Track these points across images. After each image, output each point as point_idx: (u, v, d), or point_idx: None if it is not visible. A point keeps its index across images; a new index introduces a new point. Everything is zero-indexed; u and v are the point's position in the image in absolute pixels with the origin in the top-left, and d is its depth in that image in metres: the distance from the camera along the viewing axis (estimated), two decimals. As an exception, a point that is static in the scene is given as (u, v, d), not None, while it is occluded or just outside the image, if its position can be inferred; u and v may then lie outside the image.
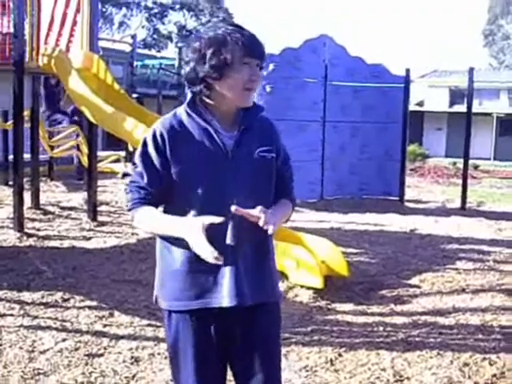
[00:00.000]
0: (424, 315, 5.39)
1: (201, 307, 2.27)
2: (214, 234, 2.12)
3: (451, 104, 37.65)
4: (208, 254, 2.08)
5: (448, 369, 4.20)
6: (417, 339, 4.75)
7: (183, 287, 2.27)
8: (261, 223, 2.12)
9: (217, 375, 2.38)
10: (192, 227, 2.11)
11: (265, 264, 2.36)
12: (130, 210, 2.32)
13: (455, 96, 37.29)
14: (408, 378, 4.04)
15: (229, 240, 2.23)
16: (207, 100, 2.26)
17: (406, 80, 12.69)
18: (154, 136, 2.23)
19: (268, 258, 2.38)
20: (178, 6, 54.62)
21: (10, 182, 12.49)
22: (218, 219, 2.11)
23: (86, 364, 4.08)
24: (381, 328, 4.99)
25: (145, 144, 2.25)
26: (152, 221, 2.26)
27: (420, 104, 38.51)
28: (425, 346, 4.61)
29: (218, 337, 2.32)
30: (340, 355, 4.37)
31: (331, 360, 4.27)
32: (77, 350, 4.31)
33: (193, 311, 2.28)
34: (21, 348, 4.30)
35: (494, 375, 4.13)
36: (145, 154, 2.24)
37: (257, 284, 2.29)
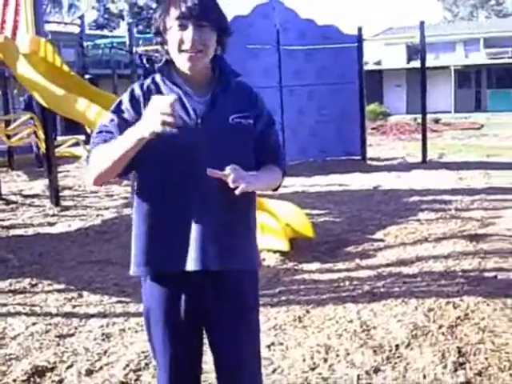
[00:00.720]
0: (388, 267, 5.51)
1: (168, 270, 2.24)
2: (174, 201, 2.15)
3: (409, 60, 37.79)
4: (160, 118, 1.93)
5: (413, 315, 4.32)
6: (382, 290, 4.87)
7: (151, 250, 2.25)
8: (229, 180, 2.07)
9: (189, 344, 2.35)
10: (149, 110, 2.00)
11: (239, 231, 2.29)
12: (87, 158, 2.21)
13: (412, 52, 37.40)
14: (374, 327, 4.14)
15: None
16: (176, 65, 2.23)
17: (359, 39, 12.75)
18: (131, 94, 2.21)
19: (245, 227, 2.32)
20: (127, -17, 53.67)
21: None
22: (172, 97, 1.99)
23: (58, 345, 4.10)
24: (347, 283, 5.10)
25: (120, 101, 2.22)
26: (104, 150, 2.12)
27: (378, 63, 38.62)
28: (390, 295, 4.72)
29: (190, 304, 2.29)
30: (308, 312, 4.46)
31: (299, 317, 4.36)
32: (47, 332, 4.32)
33: (163, 278, 2.26)
34: (-9, 336, 4.31)
35: (458, 317, 4.25)
36: (118, 107, 2.20)
37: (227, 249, 2.24)
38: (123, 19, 53.66)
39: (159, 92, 2.23)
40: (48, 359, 3.88)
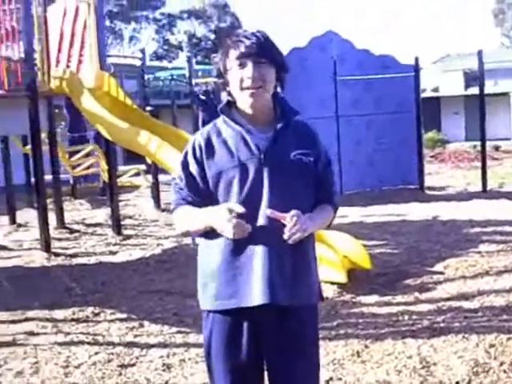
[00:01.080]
0: (449, 301, 5.43)
1: (235, 307, 2.31)
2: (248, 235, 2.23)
3: (466, 87, 37.29)
4: (231, 229, 2.18)
5: (474, 351, 4.25)
6: (442, 325, 4.81)
7: (219, 287, 2.33)
8: (286, 230, 2.17)
9: (249, 377, 2.39)
10: (218, 211, 2.23)
11: (302, 265, 2.36)
12: (172, 210, 2.46)
13: (470, 79, 36.88)
14: (435, 364, 4.10)
15: (261, 248, 2.27)
16: (238, 104, 2.36)
17: (416, 68, 12.71)
18: (193, 146, 2.37)
19: (306, 260, 2.38)
20: (185, 15, 54.85)
21: (35, 205, 12.78)
22: (240, 208, 2.19)
23: (120, 374, 4.20)
24: (406, 317, 5.05)
25: (185, 153, 2.39)
26: (187, 217, 2.38)
27: (436, 90, 38.25)
28: (450, 331, 4.66)
29: (250, 340, 2.34)
30: (366, 347, 4.44)
31: (358, 352, 4.34)
32: (110, 361, 4.43)
33: (228, 311, 2.33)
34: (56, 364, 4.44)
35: (521, 354, 4.17)
36: (183, 162, 2.38)
37: (291, 285, 2.30)
38: (182, 50, 54.77)
39: (220, 136, 2.34)
40: (111, 389, 3.99)
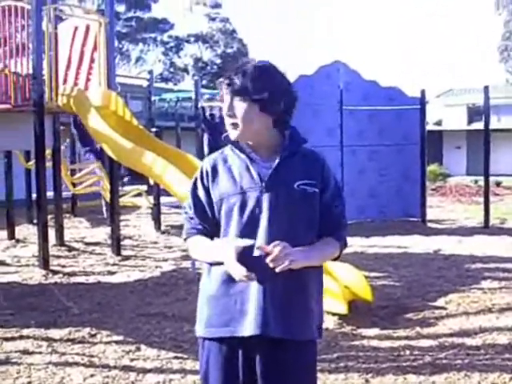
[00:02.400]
0: (450, 337, 5.36)
1: (228, 335, 2.30)
2: (246, 263, 2.19)
3: (469, 122, 37.49)
4: (237, 273, 2.16)
5: (476, 390, 4.17)
6: (444, 361, 4.73)
7: (214, 313, 2.33)
8: (268, 259, 2.13)
9: None
10: (225, 250, 2.20)
11: (299, 299, 2.31)
12: (185, 239, 2.49)
13: (473, 113, 37.13)
14: (436, 402, 4.02)
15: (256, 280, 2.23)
16: None
17: (422, 101, 12.74)
18: (201, 173, 2.40)
19: (304, 294, 2.32)
20: (193, 39, 55.30)
21: (35, 221, 12.72)
22: (249, 242, 2.18)
23: (115, 399, 4.12)
24: (407, 352, 4.98)
25: (194, 180, 2.43)
26: (198, 249, 2.41)
27: (438, 123, 38.45)
28: (452, 367, 4.59)
29: (245, 368, 2.32)
30: (367, 381, 4.36)
31: (358, 386, 4.27)
32: (105, 385, 4.35)
33: (222, 339, 2.32)
34: (50, 385, 4.36)
35: (524, 395, 4.09)
36: (193, 189, 2.42)
37: (285, 318, 2.27)
38: (188, 73, 55.11)
39: (225, 163, 2.35)
40: (105, 413, 3.90)
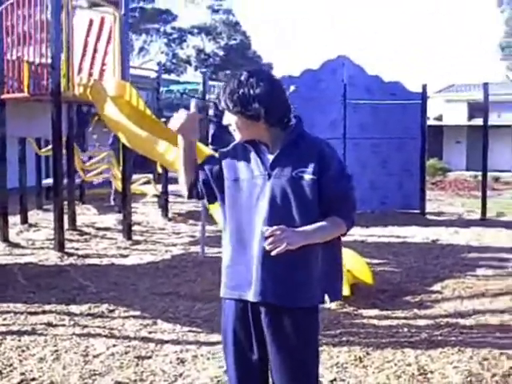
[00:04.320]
0: (445, 317, 5.73)
1: (238, 298, 2.68)
2: (243, 238, 2.62)
3: (470, 117, 37.76)
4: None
5: (468, 363, 4.54)
6: (439, 338, 5.11)
7: (228, 279, 2.72)
8: (265, 244, 2.45)
9: (255, 366, 2.71)
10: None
11: (298, 271, 2.60)
12: None
13: (474, 109, 37.34)
14: (431, 372, 4.39)
15: (257, 254, 2.58)
16: None
17: (423, 96, 13.07)
18: (222, 151, 2.78)
19: (304, 267, 2.61)
20: (196, 31, 55.42)
21: (44, 206, 13.09)
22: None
23: (137, 365, 4.49)
24: (405, 329, 5.35)
25: (213, 155, 2.84)
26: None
27: (439, 118, 38.70)
28: (446, 344, 4.96)
29: (255, 329, 2.67)
30: (368, 353, 4.74)
31: (360, 358, 4.64)
32: (127, 353, 4.73)
33: (235, 300, 2.70)
34: (75, 353, 4.73)
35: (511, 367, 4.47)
36: (211, 156, 2.86)
37: (283, 288, 2.60)
38: (190, 65, 55.30)
39: (243, 151, 2.71)
40: (129, 377, 4.28)
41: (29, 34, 8.97)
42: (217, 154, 2.79)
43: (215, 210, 6.45)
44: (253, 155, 2.67)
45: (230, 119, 2.64)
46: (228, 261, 2.71)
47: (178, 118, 2.68)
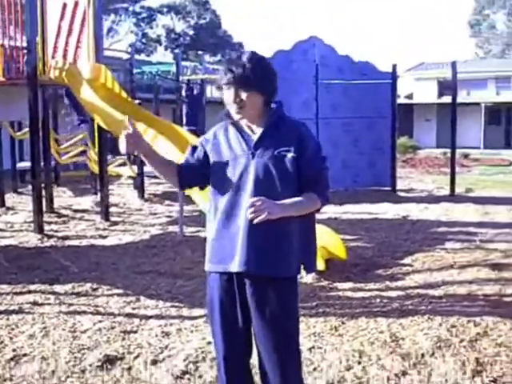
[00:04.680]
0: (416, 289, 6.03)
1: (222, 270, 2.87)
2: (232, 214, 2.81)
3: (440, 95, 38.27)
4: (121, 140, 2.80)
5: (437, 330, 4.83)
6: (410, 308, 5.40)
7: (212, 253, 2.92)
8: (248, 212, 2.66)
9: (241, 335, 2.92)
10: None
11: (278, 242, 2.83)
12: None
13: (443, 87, 37.85)
14: (403, 339, 4.67)
15: (241, 227, 2.79)
16: None
17: (393, 76, 13.34)
18: (204, 137, 2.99)
19: (284, 238, 2.84)
20: (165, 10, 55.03)
21: (19, 190, 13.15)
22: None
23: (123, 339, 4.69)
24: (377, 300, 5.64)
25: (200, 141, 3.02)
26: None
27: (409, 97, 39.16)
28: (417, 312, 5.25)
29: (240, 299, 2.88)
30: (343, 323, 5.00)
31: (335, 327, 4.91)
32: (113, 328, 4.92)
33: (220, 274, 2.89)
34: (63, 329, 4.91)
35: (478, 333, 4.77)
36: (194, 146, 3.02)
37: (266, 258, 2.81)
38: (160, 44, 54.95)
39: (226, 134, 2.92)
40: (117, 350, 4.47)
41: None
42: (198, 144, 2.97)
43: (192, 191, 6.62)
44: (235, 136, 2.87)
45: (244, 97, 2.76)
46: (213, 235, 2.90)
47: (121, 143, 2.81)
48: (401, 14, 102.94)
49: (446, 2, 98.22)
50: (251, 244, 2.79)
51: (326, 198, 2.92)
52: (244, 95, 2.78)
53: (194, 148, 2.99)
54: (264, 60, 2.85)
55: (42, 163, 10.01)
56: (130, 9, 54.40)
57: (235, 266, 2.81)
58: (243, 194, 2.81)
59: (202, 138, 3.00)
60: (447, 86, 28.65)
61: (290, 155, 2.80)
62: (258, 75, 2.77)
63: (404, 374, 4.09)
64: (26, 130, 10.24)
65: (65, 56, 9.46)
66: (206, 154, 2.93)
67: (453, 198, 12.65)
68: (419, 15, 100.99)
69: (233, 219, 2.83)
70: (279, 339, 2.87)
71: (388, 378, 4.02)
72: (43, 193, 10.04)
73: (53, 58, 9.45)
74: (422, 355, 4.36)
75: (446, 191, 13.45)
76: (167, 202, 11.99)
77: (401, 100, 31.21)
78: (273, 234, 2.80)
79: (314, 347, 4.50)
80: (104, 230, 9.09)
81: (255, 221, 2.64)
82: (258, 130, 2.85)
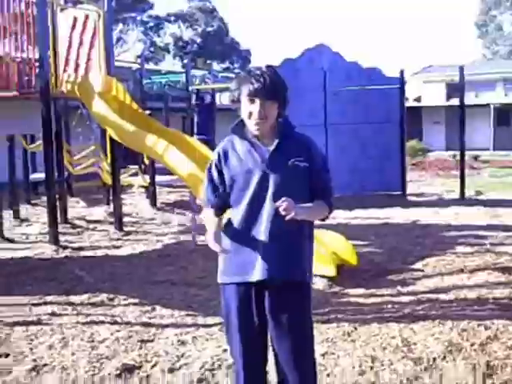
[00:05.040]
0: (427, 293, 6.10)
1: (241, 281, 2.98)
2: (251, 224, 2.93)
3: (448, 97, 38.22)
4: (211, 245, 2.98)
5: (448, 334, 4.91)
6: (421, 312, 5.48)
7: (230, 265, 3.03)
8: (280, 209, 2.80)
9: (259, 343, 3.04)
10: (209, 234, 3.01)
11: (299, 248, 3.00)
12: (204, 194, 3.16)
13: (452, 89, 37.81)
14: (415, 343, 4.75)
15: (263, 236, 2.94)
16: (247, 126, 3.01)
17: (401, 81, 13.42)
18: (217, 157, 3.06)
19: (302, 244, 3.01)
20: (173, 18, 55.33)
21: (32, 201, 13.31)
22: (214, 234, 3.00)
23: (141, 348, 4.80)
24: (389, 306, 5.72)
25: (210, 163, 3.10)
26: (204, 219, 3.21)
27: (417, 100, 39.14)
28: (428, 317, 5.32)
29: (257, 307, 2.98)
30: (355, 328, 5.09)
31: (348, 333, 4.99)
32: (130, 337, 5.03)
33: (237, 284, 3.00)
34: (82, 339, 5.02)
35: (488, 337, 4.84)
36: (209, 169, 3.10)
37: (287, 264, 2.95)
38: (169, 52, 55.24)
39: (234, 148, 3.02)
40: (134, 359, 4.58)
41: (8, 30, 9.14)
42: (213, 169, 3.06)
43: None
44: (245, 150, 2.97)
45: (268, 109, 2.87)
46: (229, 246, 3.01)
47: (213, 247, 2.99)
48: (407, 16, 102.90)
49: (453, 3, 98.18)
50: (272, 251, 2.92)
51: (331, 206, 3.09)
52: (268, 107, 2.88)
53: (211, 177, 3.07)
54: (279, 73, 2.96)
55: (56, 174, 10.15)
56: (138, 18, 54.72)
57: (257, 275, 2.93)
58: (259, 205, 2.93)
59: (213, 161, 3.08)
60: (455, 88, 28.63)
61: (302, 165, 2.95)
62: (278, 88, 2.90)
63: (416, 378, 4.17)
64: (39, 142, 10.38)
65: (76, 69, 9.60)
66: (221, 172, 3.04)
67: (463, 201, 12.70)
68: (426, 17, 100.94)
69: (250, 230, 2.95)
70: (297, 345, 2.99)
71: (401, 383, 4.11)
72: (57, 204, 10.18)
73: (64, 71, 9.60)
74: (434, 359, 4.44)
75: (456, 194, 13.50)
76: (179, 210, 12.11)
77: (409, 103, 31.23)
78: (291, 240, 2.96)
79: (327, 353, 4.59)
80: (118, 240, 9.21)
81: (287, 218, 2.78)
82: (270, 142, 2.96)
